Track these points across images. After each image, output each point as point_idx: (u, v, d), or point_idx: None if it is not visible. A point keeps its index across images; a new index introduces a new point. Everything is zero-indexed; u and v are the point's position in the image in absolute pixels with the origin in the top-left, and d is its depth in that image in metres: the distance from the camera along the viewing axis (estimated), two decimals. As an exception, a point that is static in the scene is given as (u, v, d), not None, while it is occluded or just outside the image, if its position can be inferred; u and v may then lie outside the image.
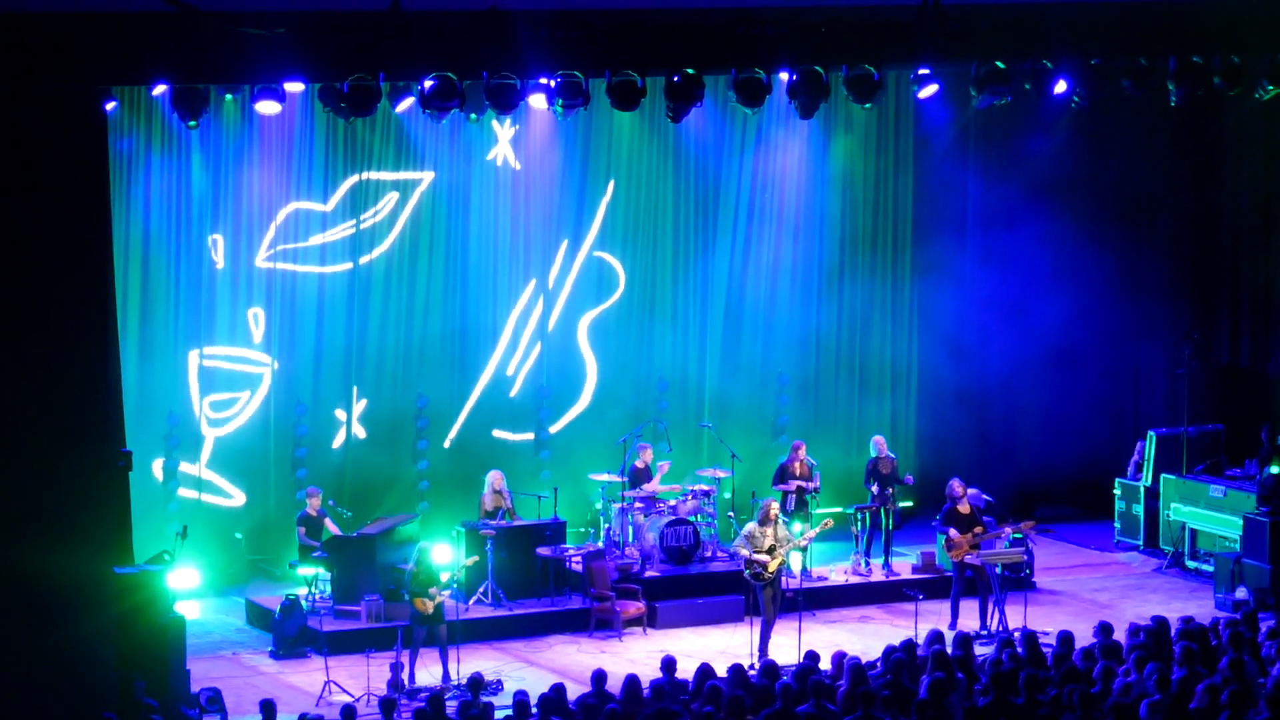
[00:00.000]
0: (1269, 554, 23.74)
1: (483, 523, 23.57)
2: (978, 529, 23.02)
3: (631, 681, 17.01)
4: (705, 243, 26.71)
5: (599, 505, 25.00)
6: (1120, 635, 18.36)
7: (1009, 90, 21.68)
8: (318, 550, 23.32)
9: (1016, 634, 19.77)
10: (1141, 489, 26.76)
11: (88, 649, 18.68)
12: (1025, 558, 23.84)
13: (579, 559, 23.66)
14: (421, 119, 23.57)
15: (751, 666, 18.82)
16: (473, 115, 21.75)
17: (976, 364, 28.01)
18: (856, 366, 27.68)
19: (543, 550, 23.56)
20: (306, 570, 23.24)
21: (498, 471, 24.21)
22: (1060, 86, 21.89)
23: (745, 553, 21.83)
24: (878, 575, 24.70)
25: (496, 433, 25.97)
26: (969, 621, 22.46)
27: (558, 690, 16.89)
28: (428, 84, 19.66)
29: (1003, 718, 16.00)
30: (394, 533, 23.54)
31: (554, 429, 26.23)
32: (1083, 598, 24.58)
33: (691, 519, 24.40)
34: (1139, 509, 26.78)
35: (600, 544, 24.36)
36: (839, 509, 25.35)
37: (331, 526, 23.57)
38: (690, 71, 20.43)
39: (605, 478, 24.77)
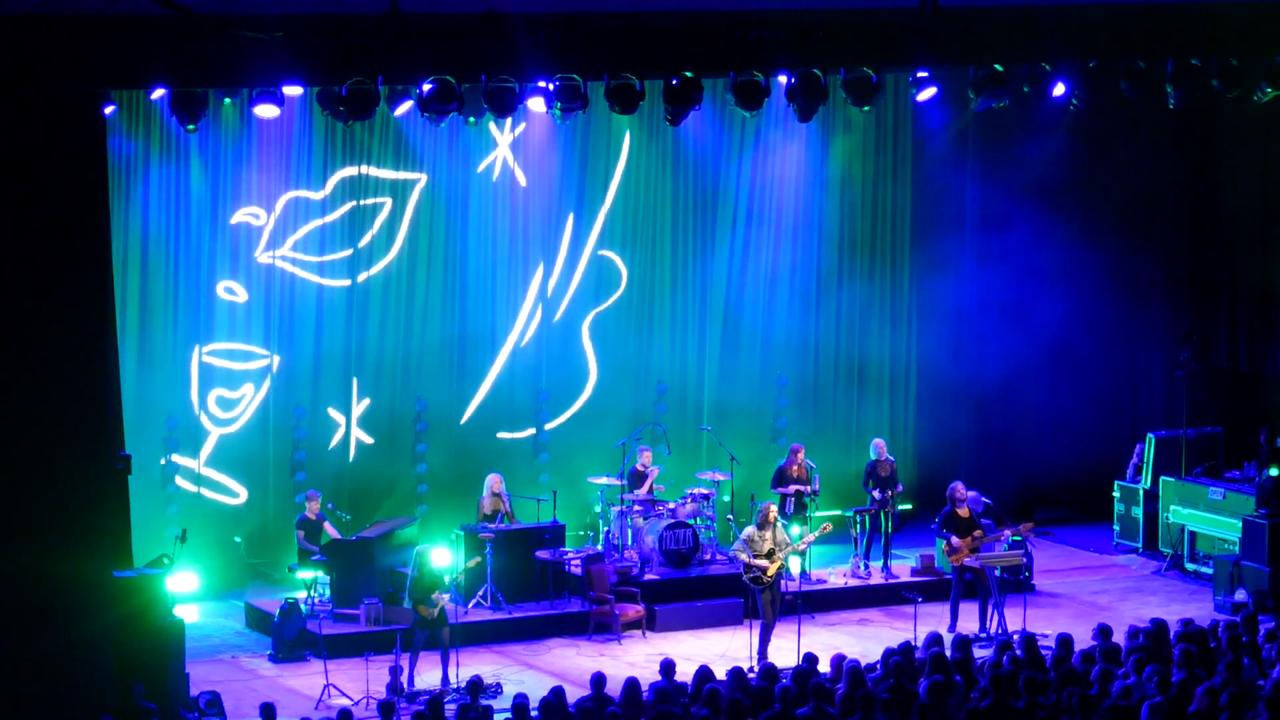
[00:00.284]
0: (1268, 556, 23.74)
1: (481, 526, 23.56)
2: (977, 533, 23.01)
3: (631, 685, 17.00)
4: (704, 245, 26.71)
5: (598, 508, 25.00)
6: (1119, 638, 18.35)
7: (1007, 93, 21.68)
8: (317, 554, 23.32)
9: (1016, 636, 19.76)
10: (1140, 491, 26.76)
11: (87, 652, 18.67)
12: (1024, 560, 23.83)
13: (578, 562, 23.65)
14: (420, 122, 23.56)
15: (751, 670, 18.81)
16: (471, 119, 21.74)
17: (975, 366, 28.01)
18: (855, 369, 27.67)
19: (542, 553, 23.55)
20: (305, 574, 23.24)
21: (497, 475, 24.21)
22: (1059, 89, 21.90)
23: (744, 556, 21.83)
24: (877, 578, 24.70)
25: (502, 433, 25.94)
26: (968, 624, 22.46)
27: (557, 694, 16.88)
28: (426, 87, 19.65)
29: (1003, 720, 16.02)
30: (393, 536, 23.55)
31: (551, 426, 26.17)
32: (1082, 600, 24.58)
33: (690, 522, 24.40)
34: (1138, 511, 26.78)
35: (599, 547, 24.36)
36: (838, 512, 25.34)
37: (330, 530, 23.57)
38: (689, 74, 20.42)
39: (604, 481, 24.77)
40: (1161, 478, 26.37)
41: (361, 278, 25.15)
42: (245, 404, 24.90)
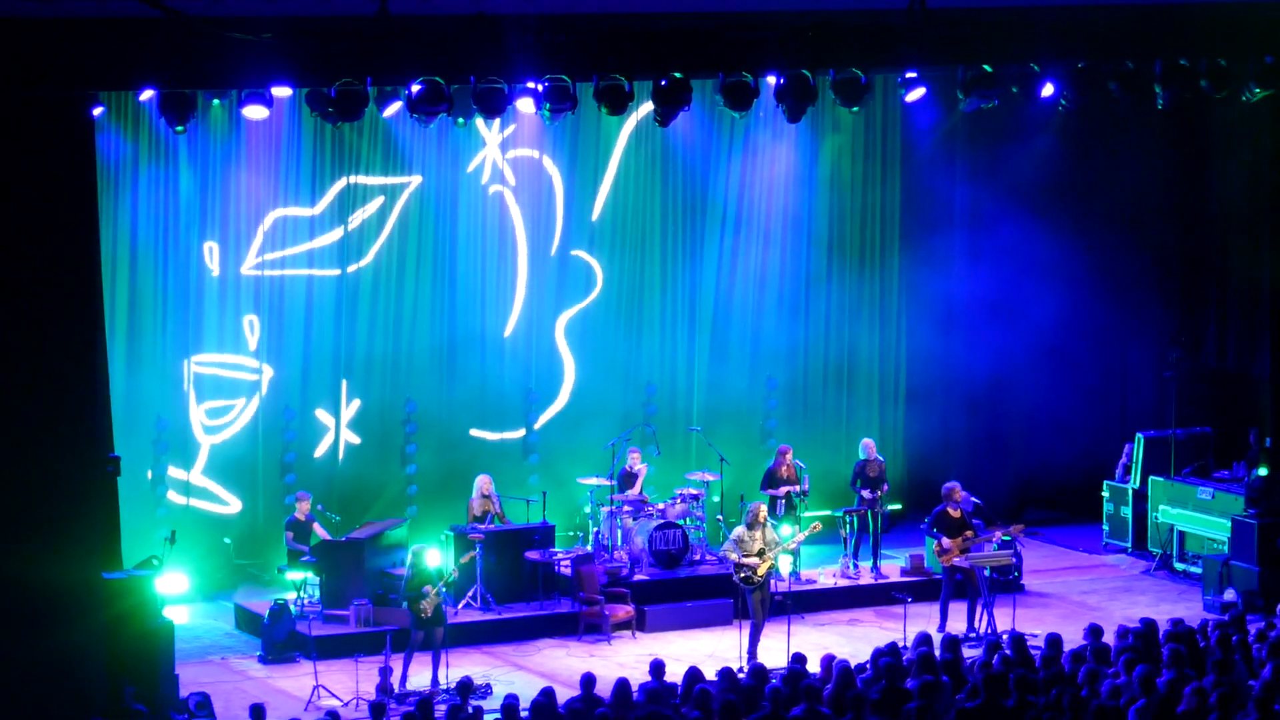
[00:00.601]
0: (1257, 556, 23.76)
1: (471, 527, 23.56)
2: (968, 533, 23.03)
3: (621, 685, 17.00)
4: (693, 246, 26.69)
5: (588, 509, 25.00)
6: (1109, 637, 18.37)
7: (996, 93, 21.70)
8: (306, 555, 23.31)
9: (1005, 636, 19.77)
10: (1130, 491, 26.77)
11: (77, 654, 18.66)
12: (1014, 560, 23.85)
13: (568, 563, 23.64)
14: (409, 123, 23.55)
15: (740, 670, 18.82)
16: (460, 119, 21.73)
17: (965, 367, 28.02)
18: (844, 369, 27.67)
19: (531, 554, 23.55)
20: (295, 575, 23.24)
21: (486, 476, 24.19)
22: (1047, 90, 21.94)
23: (734, 557, 21.83)
24: (866, 578, 24.71)
25: (486, 434, 25.90)
26: (958, 624, 22.48)
27: (548, 695, 16.87)
28: (415, 88, 19.66)
29: (993, 720, 16.03)
30: (382, 537, 23.53)
31: (539, 424, 26.17)
32: (1071, 600, 24.60)
33: (680, 523, 24.40)
34: (1127, 511, 26.79)
35: (589, 548, 24.35)
36: (827, 512, 25.35)
37: (320, 531, 23.56)
38: (678, 75, 20.44)
39: (594, 481, 24.77)
40: (1151, 477, 26.40)
41: (352, 268, 25.08)
42: (236, 413, 24.87)
